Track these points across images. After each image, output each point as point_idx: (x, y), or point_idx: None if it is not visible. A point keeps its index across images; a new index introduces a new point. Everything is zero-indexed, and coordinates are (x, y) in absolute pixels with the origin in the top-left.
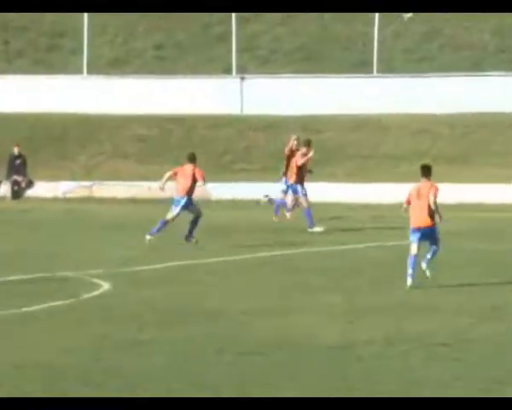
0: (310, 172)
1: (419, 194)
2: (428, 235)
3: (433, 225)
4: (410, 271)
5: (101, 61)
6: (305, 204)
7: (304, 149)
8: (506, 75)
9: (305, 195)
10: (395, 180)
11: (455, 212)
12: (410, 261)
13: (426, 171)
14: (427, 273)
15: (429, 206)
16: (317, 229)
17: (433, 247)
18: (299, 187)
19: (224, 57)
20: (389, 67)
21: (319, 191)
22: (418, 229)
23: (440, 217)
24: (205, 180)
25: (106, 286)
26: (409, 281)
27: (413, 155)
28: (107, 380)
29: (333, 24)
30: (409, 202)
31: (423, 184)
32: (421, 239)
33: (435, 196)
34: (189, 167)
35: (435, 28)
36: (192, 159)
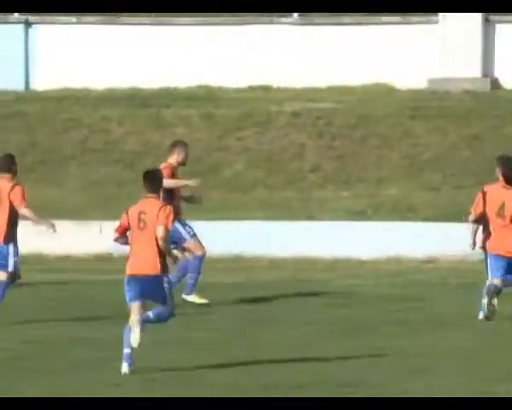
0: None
1: (140, 219)
2: (151, 289)
3: (160, 272)
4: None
5: None
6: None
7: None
8: None
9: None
10: None
11: None
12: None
13: (151, 180)
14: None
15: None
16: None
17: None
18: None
19: None
20: None
21: None
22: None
23: (174, 259)
24: None
25: None
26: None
27: None
28: None
29: None
30: (125, 229)
31: (148, 202)
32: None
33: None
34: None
35: None
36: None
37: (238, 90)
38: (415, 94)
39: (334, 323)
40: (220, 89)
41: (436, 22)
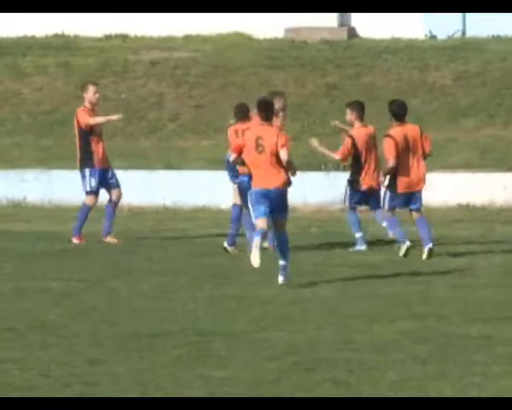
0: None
1: (258, 144)
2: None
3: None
4: None
5: None
6: None
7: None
8: None
9: None
10: None
11: None
12: None
13: (264, 110)
14: None
15: None
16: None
17: None
18: None
19: None
20: None
21: None
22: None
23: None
24: None
25: None
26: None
27: None
28: None
29: None
30: (241, 150)
31: (264, 129)
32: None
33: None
34: None
35: None
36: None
37: (95, 39)
38: (272, 43)
39: (195, 272)
40: (77, 37)
41: None
